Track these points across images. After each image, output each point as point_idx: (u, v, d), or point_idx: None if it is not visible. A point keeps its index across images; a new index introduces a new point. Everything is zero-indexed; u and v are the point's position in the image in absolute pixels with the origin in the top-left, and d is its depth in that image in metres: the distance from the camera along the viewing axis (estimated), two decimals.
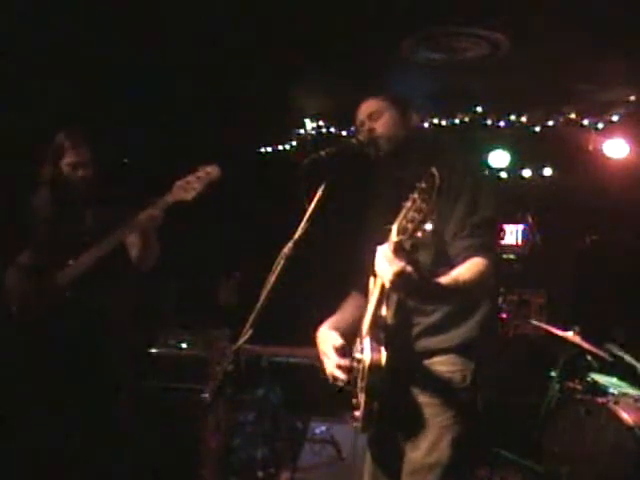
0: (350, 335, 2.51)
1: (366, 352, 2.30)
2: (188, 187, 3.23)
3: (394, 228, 2.08)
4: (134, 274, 3.44)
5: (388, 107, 2.57)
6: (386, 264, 2.07)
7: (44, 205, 3.43)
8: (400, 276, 2.05)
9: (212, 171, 3.26)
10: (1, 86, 4.54)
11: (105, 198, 3.43)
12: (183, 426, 4.26)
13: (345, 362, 2.44)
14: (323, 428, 4.34)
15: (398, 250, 2.06)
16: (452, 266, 2.34)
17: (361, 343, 2.37)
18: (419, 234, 2.02)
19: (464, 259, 2.34)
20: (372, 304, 2.34)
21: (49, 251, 3.39)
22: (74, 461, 3.27)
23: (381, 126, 2.54)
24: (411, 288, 2.14)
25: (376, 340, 2.30)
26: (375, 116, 2.56)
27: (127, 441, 3.47)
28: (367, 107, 2.60)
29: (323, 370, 2.52)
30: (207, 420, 4.31)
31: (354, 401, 2.38)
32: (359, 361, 2.35)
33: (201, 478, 4.31)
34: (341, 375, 2.43)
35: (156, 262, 3.44)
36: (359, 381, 2.35)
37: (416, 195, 2.01)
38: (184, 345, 4.55)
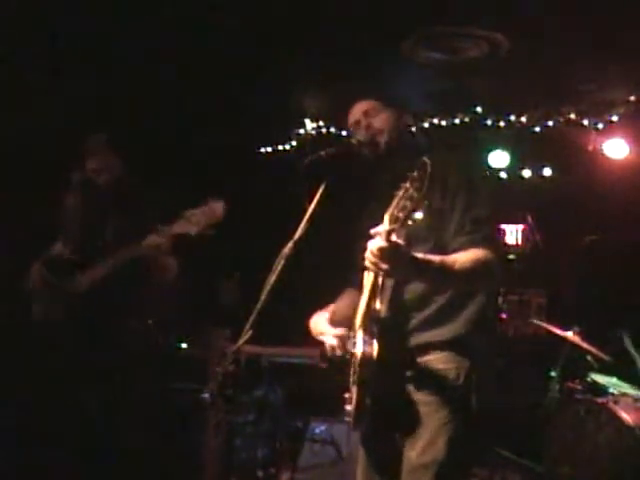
0: (342, 323, 2.52)
1: (358, 345, 2.30)
2: (194, 221, 3.25)
3: (386, 217, 2.10)
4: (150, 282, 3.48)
5: (383, 106, 2.58)
6: (378, 244, 2.08)
7: (74, 208, 3.52)
8: (393, 250, 2.07)
9: (216, 210, 3.27)
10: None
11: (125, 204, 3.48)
12: (183, 426, 4.26)
13: (341, 331, 2.46)
14: (323, 428, 4.34)
15: (390, 235, 2.08)
16: None
17: (354, 337, 2.36)
18: (410, 222, 2.04)
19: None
20: (365, 297, 2.34)
21: (75, 252, 3.46)
22: (71, 459, 3.28)
23: (379, 122, 2.55)
24: (401, 264, 2.14)
25: (369, 333, 2.30)
26: (372, 113, 2.56)
27: (124, 441, 3.48)
28: (361, 106, 2.60)
29: (323, 351, 2.52)
30: (207, 420, 4.31)
31: (347, 395, 2.38)
32: (352, 354, 2.35)
33: (202, 478, 4.31)
34: (339, 343, 2.45)
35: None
36: (352, 375, 2.34)
37: (408, 184, 2.04)
38: (184, 345, 4.56)
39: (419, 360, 2.40)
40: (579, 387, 4.64)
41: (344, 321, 2.54)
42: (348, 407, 2.37)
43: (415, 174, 2.02)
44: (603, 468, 4.14)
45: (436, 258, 2.25)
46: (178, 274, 3.53)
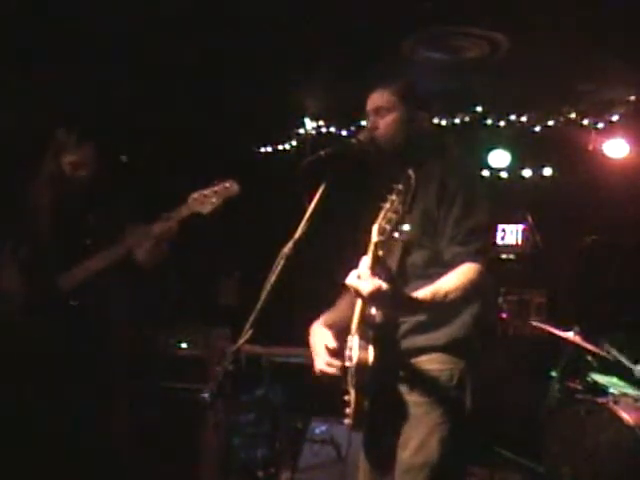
0: (344, 332, 2.51)
1: (354, 350, 2.31)
2: (205, 200, 3.19)
3: (374, 229, 2.14)
4: (135, 274, 3.43)
5: (397, 104, 2.53)
6: (362, 282, 2.11)
7: (44, 202, 3.39)
8: (375, 294, 2.09)
9: (230, 187, 3.23)
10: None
11: (106, 199, 3.43)
12: (183, 426, 4.26)
13: (335, 362, 2.44)
14: (323, 428, 4.33)
15: (375, 266, 2.11)
16: (446, 267, 2.35)
17: (350, 341, 2.38)
18: (396, 235, 2.08)
19: (457, 264, 2.34)
20: (361, 302, 2.33)
21: (49, 250, 3.38)
22: (71, 460, 3.26)
23: (384, 125, 2.52)
24: (387, 305, 2.19)
25: (365, 338, 2.31)
26: (382, 112, 2.53)
27: (124, 441, 3.47)
28: (377, 99, 2.56)
29: (312, 365, 2.52)
30: (207, 420, 4.31)
31: (346, 398, 2.39)
32: (349, 359, 2.36)
33: (201, 478, 4.31)
34: (330, 371, 2.44)
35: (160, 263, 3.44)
36: (350, 379, 2.35)
37: (394, 197, 2.09)
38: (184, 345, 4.56)
39: (413, 361, 2.41)
40: (579, 387, 4.64)
41: (343, 327, 2.54)
42: (347, 410, 2.38)
43: (400, 187, 2.07)
44: (603, 468, 4.14)
45: (418, 296, 2.23)
46: (175, 273, 3.51)
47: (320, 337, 2.54)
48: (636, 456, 4.02)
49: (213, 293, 6.33)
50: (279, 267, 2.29)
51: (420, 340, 2.41)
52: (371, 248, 2.16)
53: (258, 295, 2.27)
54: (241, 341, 2.23)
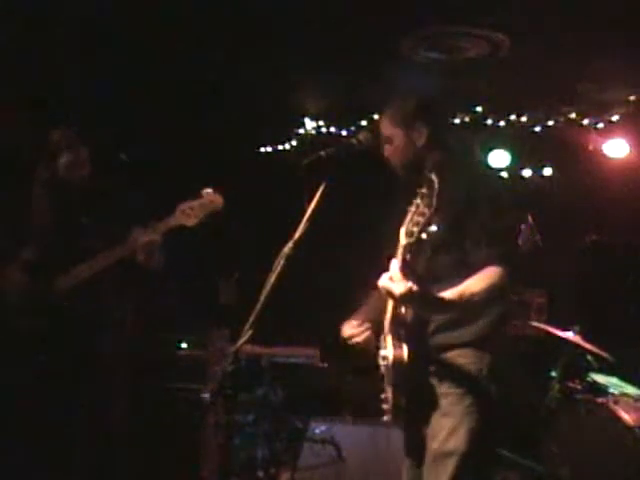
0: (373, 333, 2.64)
1: (389, 349, 2.41)
2: (191, 213, 3.24)
3: (402, 232, 2.23)
4: (134, 275, 3.43)
5: (398, 134, 2.61)
6: (394, 284, 2.20)
7: (42, 204, 3.40)
8: (406, 295, 2.19)
9: (215, 200, 3.27)
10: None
11: (104, 199, 3.43)
12: (183, 426, 4.26)
13: (362, 328, 2.61)
14: (323, 428, 4.34)
15: (406, 268, 2.20)
16: (471, 270, 2.40)
17: (384, 341, 2.48)
18: (424, 236, 2.18)
19: (482, 267, 2.39)
20: (392, 303, 2.42)
21: (48, 252, 3.37)
22: (71, 461, 3.26)
23: (390, 154, 2.64)
24: (417, 305, 2.32)
25: (397, 337, 2.42)
26: (389, 141, 2.64)
27: (124, 441, 3.47)
28: (383, 128, 2.66)
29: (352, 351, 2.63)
30: (207, 420, 4.31)
31: (382, 396, 2.49)
32: (384, 358, 2.47)
33: (201, 478, 4.31)
34: (357, 334, 2.61)
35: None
36: (386, 377, 2.46)
37: (418, 200, 2.18)
38: (184, 345, 4.56)
39: (443, 356, 2.50)
40: (579, 387, 4.64)
41: (372, 326, 2.65)
42: (385, 406, 2.49)
43: (424, 191, 2.16)
44: (603, 468, 4.14)
45: (446, 296, 2.31)
46: (175, 273, 3.50)
47: (348, 325, 2.70)
48: (636, 456, 4.02)
49: (213, 293, 6.32)
50: (279, 267, 2.30)
51: (448, 337, 2.49)
52: (400, 251, 2.24)
53: (258, 295, 2.28)
54: (241, 341, 2.24)
